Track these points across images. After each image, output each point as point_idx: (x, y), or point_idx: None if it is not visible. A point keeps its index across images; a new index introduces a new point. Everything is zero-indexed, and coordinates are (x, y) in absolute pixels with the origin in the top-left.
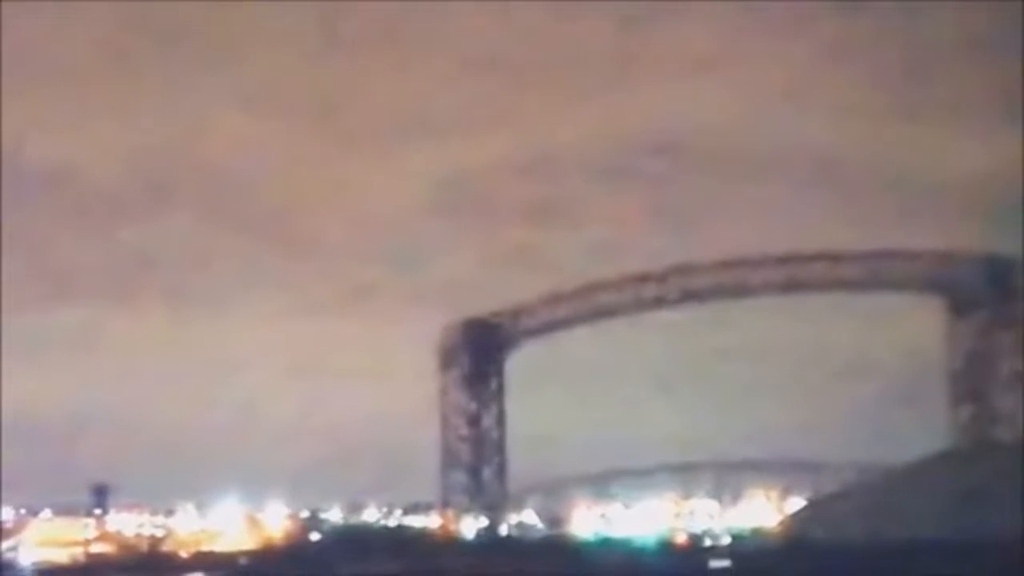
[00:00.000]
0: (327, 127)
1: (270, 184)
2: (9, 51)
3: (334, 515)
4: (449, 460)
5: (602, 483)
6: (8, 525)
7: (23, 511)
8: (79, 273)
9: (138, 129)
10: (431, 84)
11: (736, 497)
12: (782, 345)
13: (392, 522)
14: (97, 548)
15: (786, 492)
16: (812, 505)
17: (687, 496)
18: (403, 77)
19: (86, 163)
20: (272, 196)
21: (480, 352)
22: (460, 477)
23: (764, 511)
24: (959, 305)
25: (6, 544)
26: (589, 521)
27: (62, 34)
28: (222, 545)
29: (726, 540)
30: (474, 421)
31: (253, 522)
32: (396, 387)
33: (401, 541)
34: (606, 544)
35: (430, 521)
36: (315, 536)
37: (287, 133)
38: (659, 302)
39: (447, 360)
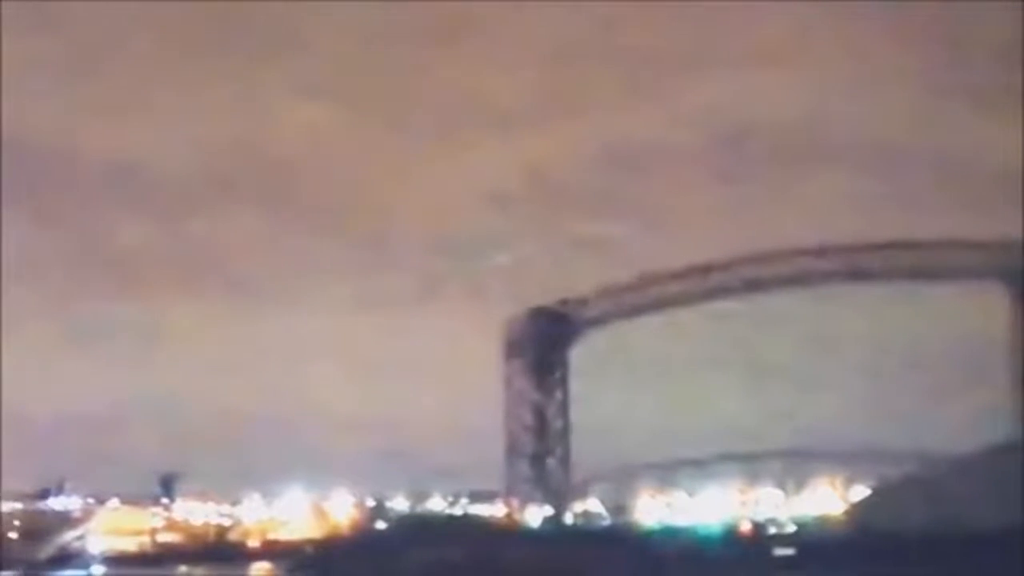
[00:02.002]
0: (393, 118)
1: (335, 175)
2: (74, 44)
3: (399, 504)
4: (514, 449)
5: (667, 472)
6: (76, 514)
7: (91, 500)
8: (145, 264)
9: (203, 121)
10: (499, 74)
11: (800, 486)
12: (846, 334)
13: (457, 511)
14: (164, 537)
15: (850, 480)
16: (876, 493)
17: (751, 485)
18: (470, 67)
19: (151, 155)
20: (337, 187)
21: (545, 341)
22: (524, 466)
23: (828, 499)
24: (1023, 294)
25: (74, 533)
26: (653, 510)
27: (128, 26)
28: (288, 534)
29: (790, 528)
30: (538, 410)
31: (319, 511)
32: (461, 376)
33: (466, 530)
34: (670, 533)
35: (495, 510)
36: (381, 525)
37: (353, 124)
38: (723, 291)
39: (512, 349)
